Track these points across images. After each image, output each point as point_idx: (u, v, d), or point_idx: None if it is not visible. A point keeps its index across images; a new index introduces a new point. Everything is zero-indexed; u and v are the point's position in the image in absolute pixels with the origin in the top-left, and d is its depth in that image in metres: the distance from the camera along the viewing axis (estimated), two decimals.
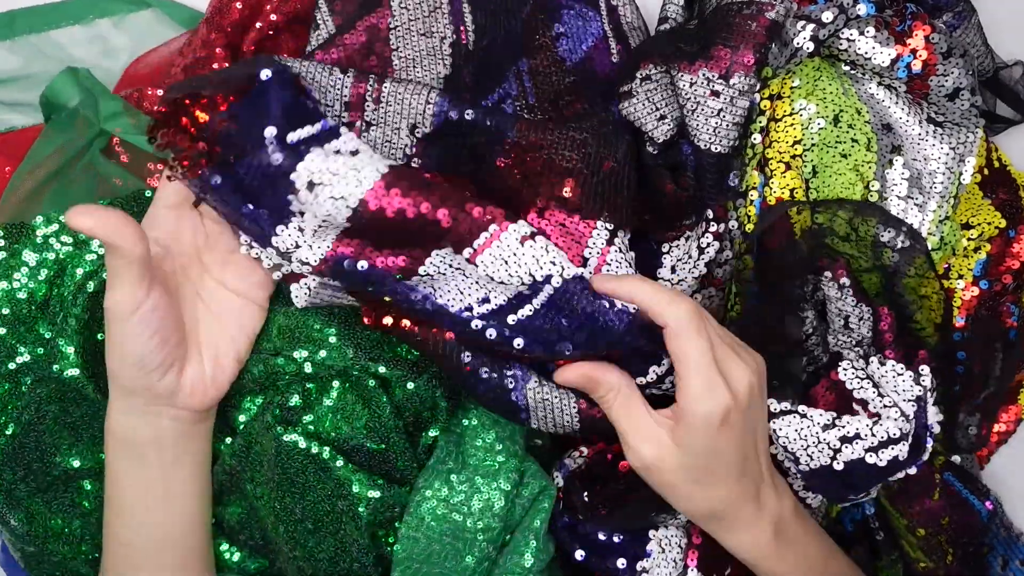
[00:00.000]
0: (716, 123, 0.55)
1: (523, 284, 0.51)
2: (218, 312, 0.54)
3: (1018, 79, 0.62)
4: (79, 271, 0.58)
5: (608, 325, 0.50)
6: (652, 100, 0.56)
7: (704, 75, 0.55)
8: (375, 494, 0.57)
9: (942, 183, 0.59)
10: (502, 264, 0.51)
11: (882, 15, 0.57)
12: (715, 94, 0.54)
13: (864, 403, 0.55)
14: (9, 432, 0.57)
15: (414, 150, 0.55)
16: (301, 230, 0.50)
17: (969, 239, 0.61)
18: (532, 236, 0.52)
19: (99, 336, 0.58)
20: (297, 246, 0.50)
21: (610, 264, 0.54)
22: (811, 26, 0.56)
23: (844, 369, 0.56)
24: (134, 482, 0.53)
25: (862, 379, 0.56)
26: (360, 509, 0.56)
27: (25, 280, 0.57)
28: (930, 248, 0.59)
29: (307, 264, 0.50)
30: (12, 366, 0.57)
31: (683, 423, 0.49)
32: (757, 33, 0.54)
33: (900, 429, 0.53)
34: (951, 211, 0.59)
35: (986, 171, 0.61)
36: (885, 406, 0.54)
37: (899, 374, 0.55)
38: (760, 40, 0.54)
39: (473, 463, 0.58)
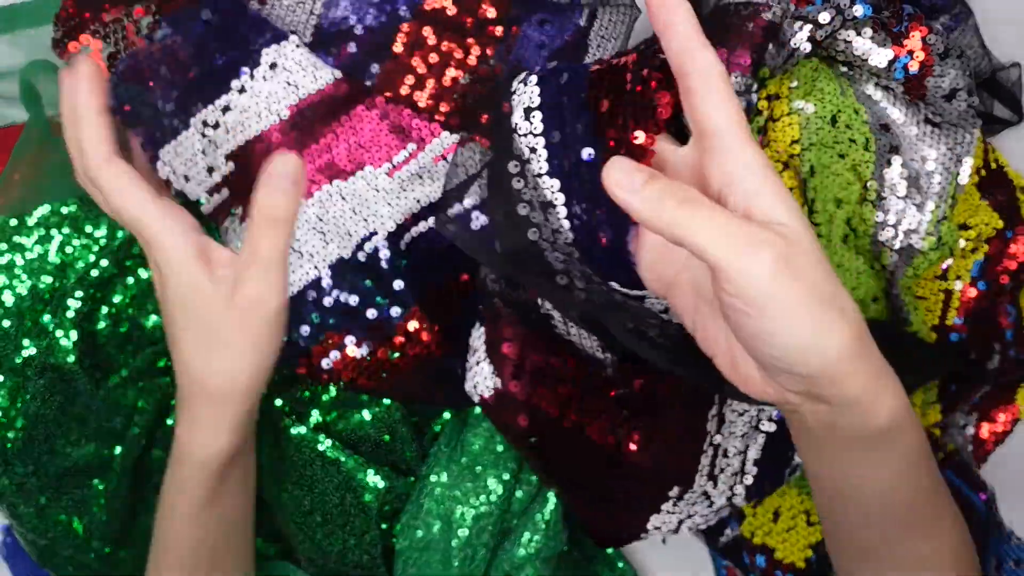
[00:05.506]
0: None
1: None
2: None
3: (1015, 81, 0.62)
4: (80, 263, 0.58)
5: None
6: None
7: None
8: (382, 485, 0.57)
9: (940, 183, 0.59)
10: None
11: (879, 16, 0.57)
12: None
13: None
14: (19, 426, 0.57)
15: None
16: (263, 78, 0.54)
17: (967, 240, 0.61)
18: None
19: (97, 327, 0.58)
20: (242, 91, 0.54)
21: None
22: (808, 27, 0.56)
23: None
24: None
25: None
26: (367, 499, 0.57)
27: (26, 272, 0.57)
28: (928, 248, 0.59)
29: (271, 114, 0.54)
30: (18, 360, 0.58)
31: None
32: (754, 34, 0.54)
33: None
34: (949, 211, 0.59)
35: (983, 172, 0.61)
36: None
37: None
38: (757, 41, 0.54)
39: (475, 450, 0.58)
